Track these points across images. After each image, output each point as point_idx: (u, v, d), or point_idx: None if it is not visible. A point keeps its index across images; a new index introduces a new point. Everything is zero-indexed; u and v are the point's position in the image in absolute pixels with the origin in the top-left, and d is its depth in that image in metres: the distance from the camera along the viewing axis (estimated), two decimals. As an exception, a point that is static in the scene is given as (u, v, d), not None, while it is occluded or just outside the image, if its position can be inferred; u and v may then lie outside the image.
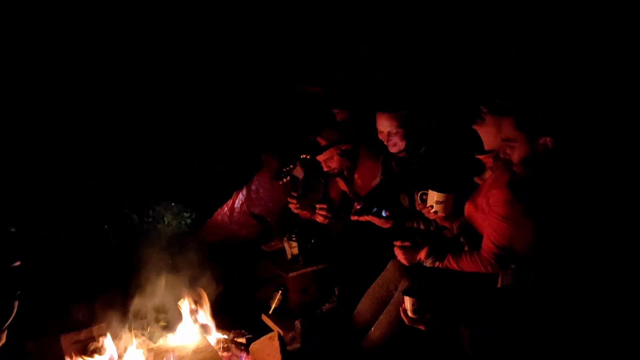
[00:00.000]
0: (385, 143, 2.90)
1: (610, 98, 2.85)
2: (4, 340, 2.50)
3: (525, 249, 2.18)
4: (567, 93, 2.92)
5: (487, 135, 2.39)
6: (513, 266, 2.25)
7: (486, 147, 2.40)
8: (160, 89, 4.35)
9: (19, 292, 2.76)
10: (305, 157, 3.19)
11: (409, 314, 2.18)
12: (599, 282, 2.21)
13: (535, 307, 2.06)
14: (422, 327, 2.17)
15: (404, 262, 2.49)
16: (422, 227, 2.71)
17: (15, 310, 2.60)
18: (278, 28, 4.23)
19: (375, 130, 2.95)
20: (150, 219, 4.21)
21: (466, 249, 2.44)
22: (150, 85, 4.30)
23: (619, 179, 2.61)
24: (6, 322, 2.55)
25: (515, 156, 2.08)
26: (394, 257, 2.59)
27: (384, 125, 2.85)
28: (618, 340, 2.10)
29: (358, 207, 2.72)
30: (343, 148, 3.08)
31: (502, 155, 2.12)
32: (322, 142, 3.06)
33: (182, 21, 4.21)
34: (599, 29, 3.02)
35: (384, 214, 2.66)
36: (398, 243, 2.54)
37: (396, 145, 2.86)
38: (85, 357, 2.53)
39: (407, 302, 2.18)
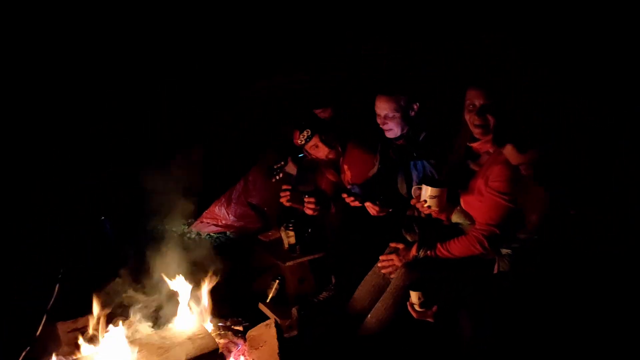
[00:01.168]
0: (381, 127, 2.89)
1: (610, 98, 2.85)
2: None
3: (527, 225, 2.19)
4: (567, 93, 2.93)
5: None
6: (510, 252, 2.26)
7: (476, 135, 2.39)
8: (160, 89, 4.36)
9: (60, 274, 2.91)
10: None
11: (416, 308, 2.18)
12: (598, 279, 2.22)
13: (532, 297, 2.08)
14: (430, 320, 2.17)
15: (397, 263, 2.51)
16: (423, 215, 2.67)
17: (55, 293, 2.75)
18: (278, 28, 4.24)
19: (369, 123, 2.95)
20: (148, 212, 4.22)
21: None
22: (150, 85, 4.31)
23: (619, 179, 2.62)
24: (47, 306, 2.62)
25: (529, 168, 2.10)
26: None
27: (381, 108, 2.84)
28: (615, 336, 2.11)
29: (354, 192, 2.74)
30: (323, 137, 3.06)
31: (523, 172, 2.13)
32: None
33: (182, 21, 4.22)
34: (599, 29, 3.02)
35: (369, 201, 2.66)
36: (393, 245, 2.58)
37: (392, 130, 2.85)
38: (81, 345, 2.51)
39: (414, 296, 2.17)
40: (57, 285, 2.89)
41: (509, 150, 2.09)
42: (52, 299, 2.81)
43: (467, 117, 2.35)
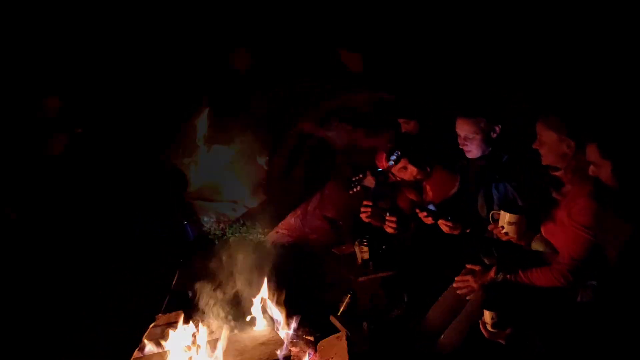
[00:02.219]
0: (461, 147, 2.87)
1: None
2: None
3: (611, 259, 2.08)
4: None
5: (549, 152, 2.34)
6: (594, 283, 2.19)
7: (556, 165, 2.34)
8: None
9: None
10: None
11: (489, 328, 2.13)
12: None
13: (615, 331, 1.95)
14: (502, 342, 2.11)
15: (473, 285, 2.48)
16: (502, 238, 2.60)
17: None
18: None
19: (450, 141, 2.94)
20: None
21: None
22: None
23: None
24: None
25: (603, 175, 2.02)
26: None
27: (461, 129, 2.84)
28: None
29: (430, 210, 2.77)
30: (413, 159, 3.02)
31: (590, 173, 2.06)
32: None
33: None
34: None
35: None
36: (469, 267, 2.55)
37: (471, 152, 2.84)
38: (161, 341, 2.65)
39: (487, 315, 2.13)
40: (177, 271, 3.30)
41: (591, 150, 2.02)
42: (174, 281, 3.23)
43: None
